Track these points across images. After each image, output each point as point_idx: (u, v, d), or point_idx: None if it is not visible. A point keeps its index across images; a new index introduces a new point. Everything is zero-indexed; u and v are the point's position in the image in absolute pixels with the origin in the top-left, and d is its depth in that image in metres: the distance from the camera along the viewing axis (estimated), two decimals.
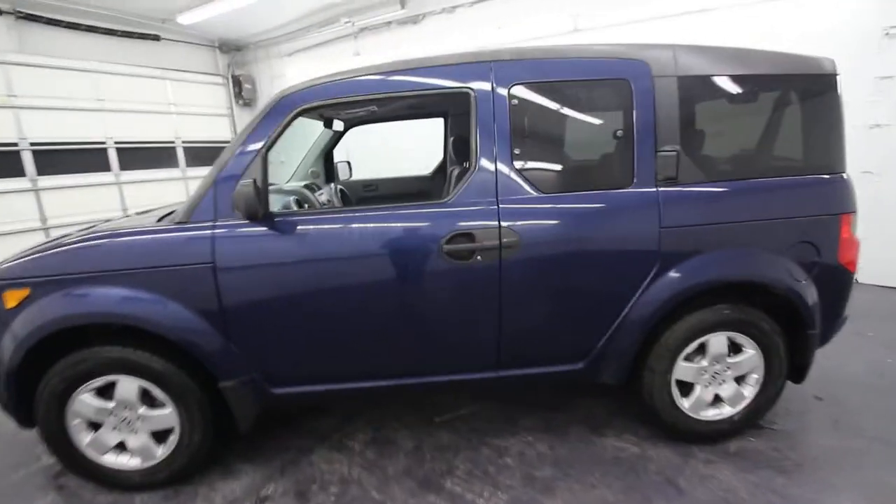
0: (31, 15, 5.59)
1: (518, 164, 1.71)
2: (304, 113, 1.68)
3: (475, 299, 1.74)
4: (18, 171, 5.51)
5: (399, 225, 1.70)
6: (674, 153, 1.73)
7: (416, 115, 3.19)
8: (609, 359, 1.87)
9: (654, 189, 1.73)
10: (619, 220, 1.74)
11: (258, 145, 1.66)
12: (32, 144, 5.54)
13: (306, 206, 2.46)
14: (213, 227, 1.65)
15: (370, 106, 2.37)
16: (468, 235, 1.68)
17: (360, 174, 3.58)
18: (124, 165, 6.41)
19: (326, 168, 3.28)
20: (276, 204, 2.21)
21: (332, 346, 1.78)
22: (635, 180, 1.74)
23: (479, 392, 2.42)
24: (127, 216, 2.14)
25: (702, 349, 1.91)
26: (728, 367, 1.93)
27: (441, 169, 3.40)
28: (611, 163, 1.79)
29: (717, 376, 1.95)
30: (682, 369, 1.91)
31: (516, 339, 1.82)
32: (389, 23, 5.94)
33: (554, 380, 1.91)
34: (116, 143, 6.30)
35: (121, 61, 6.28)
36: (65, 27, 5.89)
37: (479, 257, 1.68)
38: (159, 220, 1.80)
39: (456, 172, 2.47)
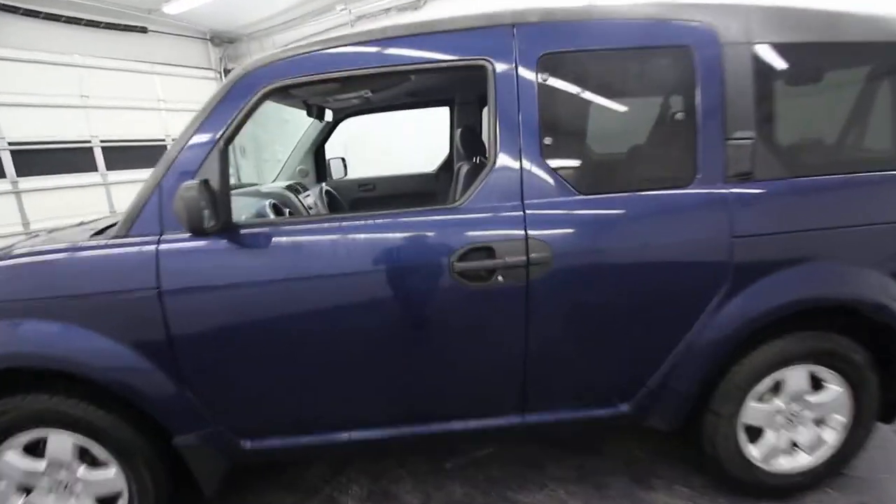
0: (7, 6, 5.23)
1: (549, 159, 1.33)
2: (273, 94, 1.30)
3: (495, 330, 1.37)
4: None
5: (397, 237, 1.33)
6: (748, 141, 1.35)
7: (418, 103, 2.81)
8: (662, 400, 1.50)
9: (724, 188, 1.35)
10: (678, 228, 1.36)
11: (214, 136, 1.29)
12: (11, 144, 5.20)
13: (287, 211, 2.08)
14: (159, 242, 1.29)
15: (359, 89, 1.99)
16: (486, 250, 1.30)
17: (361, 171, 3.22)
18: (111, 165, 6.07)
19: (318, 165, 2.91)
20: (248, 210, 1.84)
21: (315, 388, 1.42)
22: (699, 176, 1.36)
23: (499, 439, 2.03)
24: (59, 228, 1.78)
25: (776, 386, 1.53)
26: (807, 408, 1.56)
27: (447, 165, 3.02)
28: (667, 154, 1.41)
29: (793, 419, 1.57)
30: (753, 411, 1.53)
31: (546, 378, 1.45)
32: (388, 9, 5.56)
33: (592, 425, 1.54)
34: (102, 141, 5.97)
35: (106, 55, 5.92)
36: (44, 18, 5.53)
37: (500, 277, 1.31)
38: (97, 233, 1.44)
39: (465, 169, 2.09)
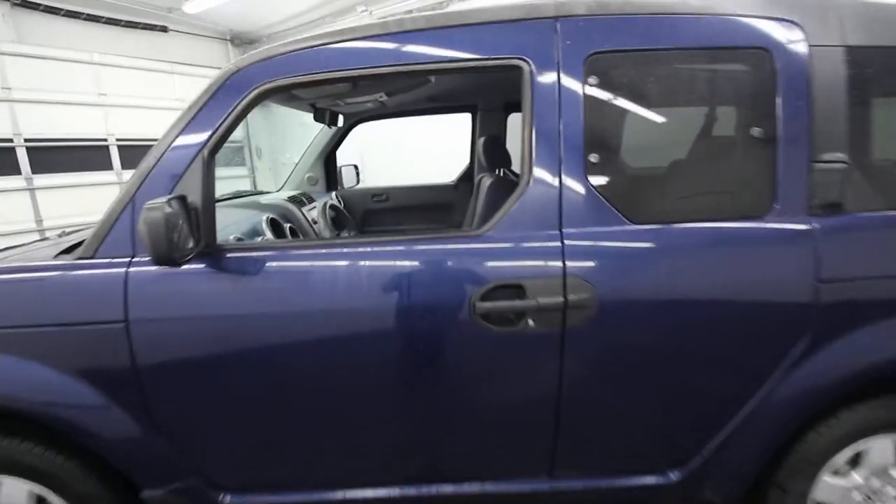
0: (28, 2, 5.22)
1: (595, 179, 1.10)
2: (269, 95, 1.11)
3: (522, 382, 1.15)
4: (12, 170, 5.14)
5: (408, 268, 1.11)
6: (839, 165, 1.11)
7: (438, 109, 2.60)
8: (720, 469, 1.25)
9: (807, 221, 1.11)
10: (749, 269, 1.12)
11: (197, 143, 1.09)
12: (27, 141, 5.16)
13: (289, 227, 1.88)
14: (129, 265, 1.10)
15: (371, 90, 1.78)
16: (514, 288, 1.08)
17: (379, 180, 3.03)
18: (127, 164, 6.00)
19: (328, 172, 2.72)
20: (241, 227, 1.64)
21: (307, 440, 1.22)
22: (776, 206, 1.12)
23: None
24: (25, 244, 1.60)
25: (854, 458, 1.28)
26: (891, 484, 1.29)
27: (467, 176, 2.80)
28: (737, 179, 1.18)
29: (872, 496, 1.31)
30: (826, 487, 1.27)
31: (582, 439, 1.22)
32: (410, 11, 5.40)
33: (634, 494, 1.29)
34: (119, 140, 5.90)
35: (125, 53, 5.88)
36: (64, 16, 5.51)
37: (530, 322, 1.08)
38: (66, 250, 1.26)
39: (487, 183, 1.88)
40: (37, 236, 5.22)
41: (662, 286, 1.10)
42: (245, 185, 7.23)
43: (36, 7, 5.29)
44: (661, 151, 1.21)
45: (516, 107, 2.69)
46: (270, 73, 1.10)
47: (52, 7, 5.37)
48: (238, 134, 7.12)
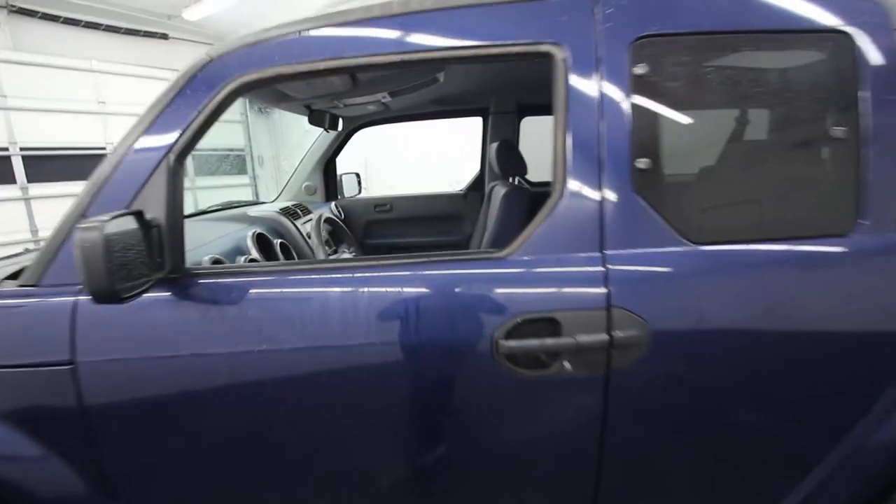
0: (26, 9, 5.12)
1: (644, 190, 0.91)
2: (248, 89, 0.92)
3: (556, 437, 0.95)
4: (7, 179, 5.02)
5: (415, 297, 0.92)
6: None
7: (445, 112, 2.42)
8: None
9: None
10: (831, 297, 0.92)
11: (161, 147, 0.91)
12: (23, 149, 5.05)
13: (279, 242, 1.68)
14: (78, 295, 0.91)
15: (371, 88, 1.58)
16: (546, 322, 0.88)
17: (384, 187, 2.84)
18: None
19: (328, 181, 2.53)
20: (224, 244, 1.44)
21: (293, 497, 1.02)
22: (864, 222, 0.92)
23: None
24: None
25: None
26: None
27: (478, 184, 2.61)
28: (814, 189, 0.98)
29: None
30: None
31: (625, 501, 1.02)
32: None
33: None
34: None
35: (125, 61, 5.77)
36: (62, 23, 5.41)
37: (566, 364, 0.88)
38: (12, 275, 1.07)
39: (500, 192, 1.68)
40: (32, 246, 5.09)
41: (727, 319, 0.90)
42: (247, 195, 7.10)
43: (34, 14, 5.19)
44: (723, 156, 1.01)
45: (530, 109, 2.53)
46: (250, 63, 0.92)
47: (50, 14, 5.27)
48: (239, 142, 7.00)
